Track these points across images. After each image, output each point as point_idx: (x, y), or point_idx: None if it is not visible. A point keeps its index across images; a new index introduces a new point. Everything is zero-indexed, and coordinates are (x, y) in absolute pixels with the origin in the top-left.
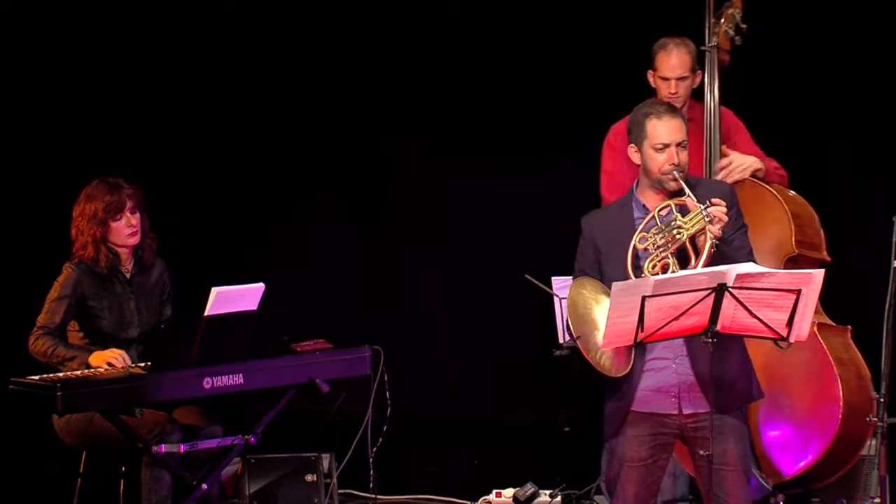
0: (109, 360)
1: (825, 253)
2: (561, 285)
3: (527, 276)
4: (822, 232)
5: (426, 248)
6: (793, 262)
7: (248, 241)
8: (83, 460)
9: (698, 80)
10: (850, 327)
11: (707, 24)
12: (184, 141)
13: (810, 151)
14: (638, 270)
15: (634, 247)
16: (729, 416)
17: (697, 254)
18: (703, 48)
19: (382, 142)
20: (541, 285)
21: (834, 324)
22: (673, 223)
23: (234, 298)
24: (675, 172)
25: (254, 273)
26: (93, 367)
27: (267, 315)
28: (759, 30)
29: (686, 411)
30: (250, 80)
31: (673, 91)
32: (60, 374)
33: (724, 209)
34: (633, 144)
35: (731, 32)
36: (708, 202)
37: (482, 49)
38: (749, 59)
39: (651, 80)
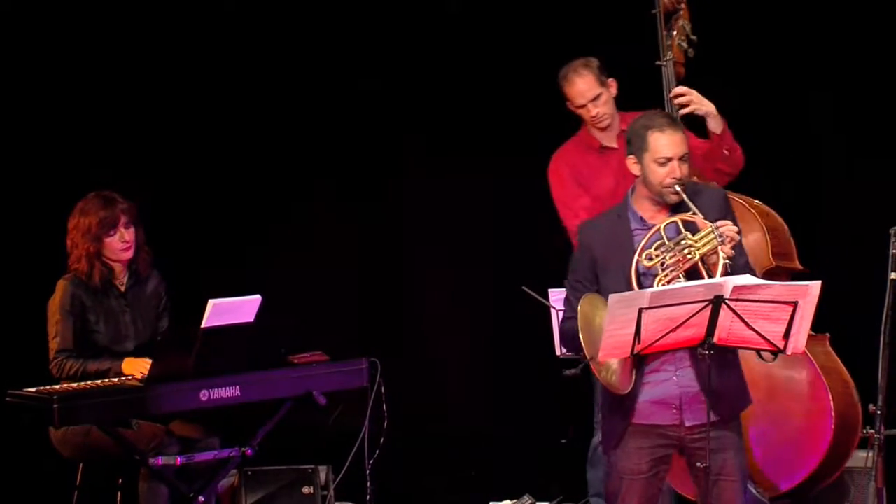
0: (143, 370)
1: (797, 262)
2: (558, 297)
3: (524, 288)
4: (792, 241)
5: (425, 257)
6: (769, 275)
7: (244, 247)
8: (80, 472)
9: (614, 89)
10: (828, 335)
11: (660, 39)
12: (180, 143)
13: (805, 156)
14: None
15: (639, 263)
16: (728, 428)
17: (709, 273)
18: (658, 63)
19: (384, 143)
20: (538, 297)
21: (813, 333)
22: (683, 242)
23: (231, 310)
24: (676, 186)
25: (250, 279)
26: (126, 375)
27: (264, 327)
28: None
29: (687, 423)
30: (246, 81)
31: (593, 114)
32: (57, 387)
33: (736, 228)
34: (632, 156)
35: (685, 45)
36: (717, 222)
37: (484, 48)
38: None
39: (573, 110)
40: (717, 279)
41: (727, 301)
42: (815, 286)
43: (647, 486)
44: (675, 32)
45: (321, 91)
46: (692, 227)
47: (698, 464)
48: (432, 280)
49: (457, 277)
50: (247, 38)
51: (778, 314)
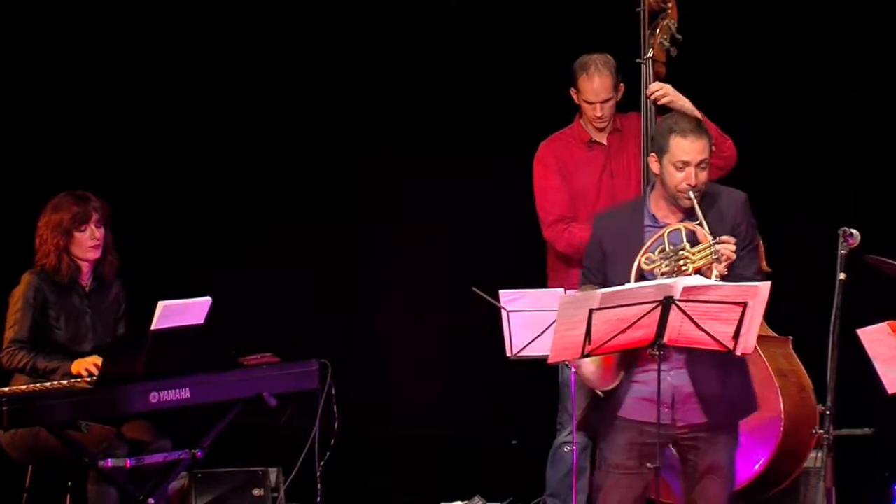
0: (90, 368)
1: (765, 263)
2: (508, 299)
3: (474, 289)
4: (760, 242)
5: (377, 258)
6: None
7: (194, 249)
8: (29, 474)
9: (621, 93)
10: (790, 338)
11: (642, 36)
12: (139, 145)
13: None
14: None
15: (640, 266)
16: (722, 432)
17: None
18: (638, 60)
19: (337, 143)
20: (488, 298)
21: (775, 335)
22: (681, 252)
23: (181, 312)
24: (691, 192)
25: (200, 281)
26: (73, 375)
27: (214, 329)
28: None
29: (679, 423)
30: (208, 84)
31: (598, 114)
32: (6, 389)
33: (733, 247)
34: (653, 154)
35: (667, 44)
36: (717, 238)
37: (454, 49)
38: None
39: (575, 97)
40: (668, 280)
41: (677, 302)
42: (765, 287)
43: (632, 481)
44: (658, 31)
45: (278, 93)
46: (696, 238)
47: (648, 465)
48: (383, 281)
49: (408, 279)
50: (219, 43)
51: (727, 315)
